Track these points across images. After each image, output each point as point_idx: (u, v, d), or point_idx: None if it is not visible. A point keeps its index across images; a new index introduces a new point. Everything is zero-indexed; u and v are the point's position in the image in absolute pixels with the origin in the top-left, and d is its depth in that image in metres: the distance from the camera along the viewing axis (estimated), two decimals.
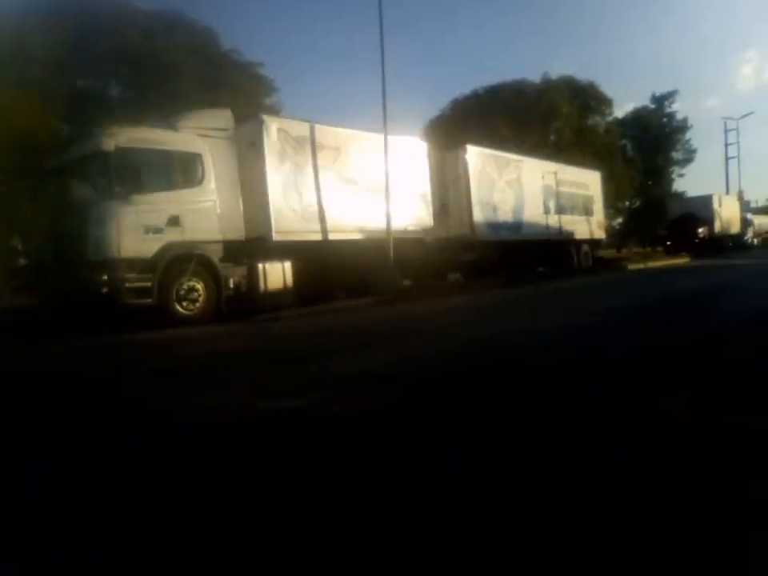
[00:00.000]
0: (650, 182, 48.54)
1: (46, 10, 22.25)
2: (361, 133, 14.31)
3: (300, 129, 12.96)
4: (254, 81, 28.63)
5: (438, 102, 57.08)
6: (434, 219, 15.93)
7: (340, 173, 13.61)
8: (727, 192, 43.09)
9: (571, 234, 22.20)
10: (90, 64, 24.54)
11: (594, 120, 43.55)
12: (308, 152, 12.98)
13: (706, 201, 35.73)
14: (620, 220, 51.54)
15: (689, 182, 71.67)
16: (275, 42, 66.83)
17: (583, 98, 41.93)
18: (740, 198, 42.97)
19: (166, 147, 10.98)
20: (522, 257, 19.37)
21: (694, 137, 51.07)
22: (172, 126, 11.35)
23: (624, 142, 47.07)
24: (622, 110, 62.58)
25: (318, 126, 13.42)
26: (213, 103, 16.50)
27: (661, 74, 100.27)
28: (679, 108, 57.94)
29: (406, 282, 15.86)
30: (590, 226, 23.71)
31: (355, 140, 14.10)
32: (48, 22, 21.82)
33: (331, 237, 13.31)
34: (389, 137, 14.72)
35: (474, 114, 36.39)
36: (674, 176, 51.96)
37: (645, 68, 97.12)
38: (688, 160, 51.13)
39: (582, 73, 55.36)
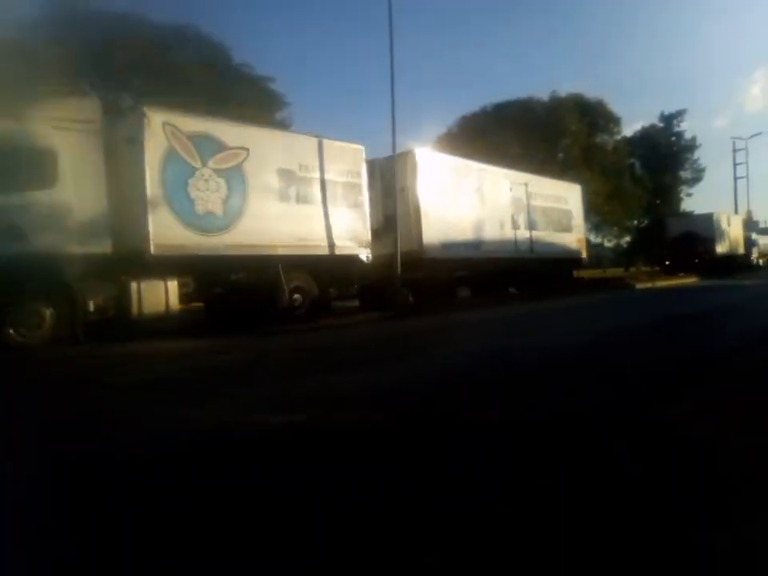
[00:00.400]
0: (658, 201, 44.39)
1: (59, 23, 20.60)
2: (276, 132, 11.46)
3: (195, 124, 10.21)
4: (265, 95, 26.12)
5: (446, 119, 53.78)
6: (377, 233, 12.93)
7: (248, 177, 10.78)
8: (736, 212, 38.82)
9: (545, 251, 18.63)
10: (103, 76, 22.72)
11: (602, 138, 40.19)
12: (205, 151, 10.19)
13: (708, 219, 31.59)
14: (628, 239, 47.71)
15: (697, 202, 67.21)
16: (287, 58, 64.21)
17: (592, 115, 38.73)
18: (748, 217, 38.75)
19: (6, 141, 8.34)
20: (485, 277, 16.00)
21: (702, 156, 46.65)
22: (17, 116, 8.66)
23: (632, 160, 43.36)
24: (630, 128, 58.00)
25: (218, 122, 10.69)
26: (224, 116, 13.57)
27: (669, 93, 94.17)
28: (688, 127, 54.25)
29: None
30: (567, 243, 20.07)
31: (268, 140, 11.24)
32: (60, 34, 20.14)
33: (234, 252, 10.50)
34: (315, 139, 11.87)
35: (483, 131, 33.34)
36: (682, 195, 47.60)
37: (653, 87, 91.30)
38: (697, 179, 46.64)
39: (590, 91, 51.37)
